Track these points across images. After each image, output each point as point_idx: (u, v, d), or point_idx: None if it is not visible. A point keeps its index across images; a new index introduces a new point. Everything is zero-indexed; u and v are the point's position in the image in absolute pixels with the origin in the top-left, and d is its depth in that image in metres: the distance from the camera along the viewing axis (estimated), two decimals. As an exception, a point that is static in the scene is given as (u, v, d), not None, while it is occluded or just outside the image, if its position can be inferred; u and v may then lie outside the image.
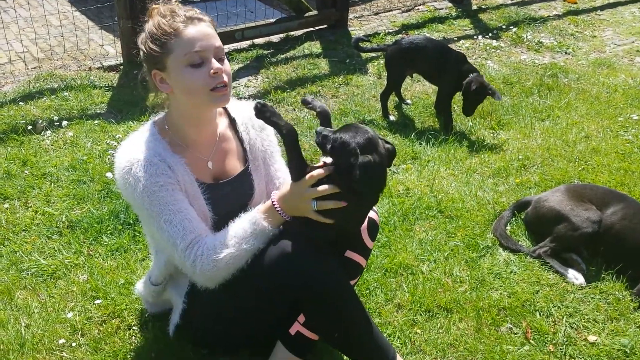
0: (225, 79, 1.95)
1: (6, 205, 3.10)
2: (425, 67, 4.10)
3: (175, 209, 1.93)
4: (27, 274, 2.67)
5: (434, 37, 4.17)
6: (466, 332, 2.47)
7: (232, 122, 2.21)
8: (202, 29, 1.94)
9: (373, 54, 5.01)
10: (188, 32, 1.91)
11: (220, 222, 2.05)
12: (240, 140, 2.21)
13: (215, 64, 1.93)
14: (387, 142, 1.98)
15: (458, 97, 4.07)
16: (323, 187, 1.88)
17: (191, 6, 2.03)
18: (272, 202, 1.96)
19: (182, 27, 1.91)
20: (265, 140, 2.26)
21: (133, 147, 1.97)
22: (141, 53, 2.00)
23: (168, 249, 1.99)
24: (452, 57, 3.99)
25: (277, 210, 1.94)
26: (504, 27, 5.81)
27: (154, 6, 2.00)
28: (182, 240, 1.93)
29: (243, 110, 2.23)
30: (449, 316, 2.55)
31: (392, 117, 4.18)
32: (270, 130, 2.26)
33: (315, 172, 1.90)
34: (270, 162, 2.27)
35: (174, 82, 1.95)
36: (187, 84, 1.93)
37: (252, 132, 2.23)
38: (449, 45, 4.06)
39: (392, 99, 4.32)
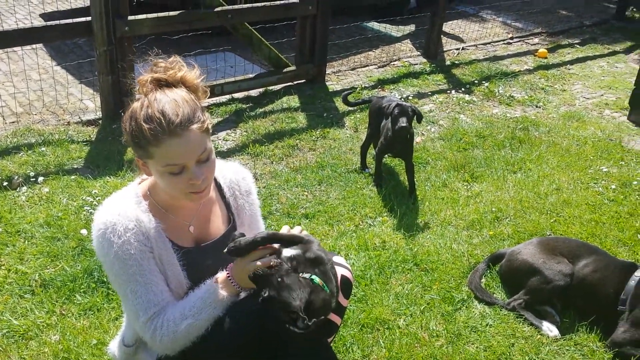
0: (205, 183, 1.92)
1: (-22, 263, 3.06)
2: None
3: (142, 280, 1.93)
4: (-2, 335, 2.62)
5: (399, 99, 4.20)
6: (442, 388, 2.47)
7: (218, 186, 2.21)
8: (185, 141, 1.81)
9: (352, 108, 5.13)
10: (170, 144, 1.80)
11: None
12: (226, 204, 2.22)
13: (194, 172, 1.87)
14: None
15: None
16: (259, 263, 1.92)
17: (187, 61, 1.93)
18: (227, 272, 1.98)
19: (164, 139, 1.79)
20: (253, 204, 2.27)
21: (111, 209, 1.95)
22: (124, 132, 1.92)
23: (130, 316, 2.02)
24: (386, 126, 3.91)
25: (230, 281, 1.97)
26: (476, 81, 5.99)
27: (145, 81, 1.86)
28: (145, 313, 1.94)
29: (228, 173, 2.22)
30: (426, 372, 2.54)
31: (368, 170, 4.25)
32: (254, 197, 2.28)
33: (261, 251, 1.95)
34: (253, 227, 2.29)
35: (154, 175, 1.93)
36: (165, 186, 1.93)
37: (240, 197, 2.23)
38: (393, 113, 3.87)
39: (371, 152, 4.39)
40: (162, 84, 1.87)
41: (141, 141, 1.81)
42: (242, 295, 2.00)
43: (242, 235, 2.00)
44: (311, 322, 1.76)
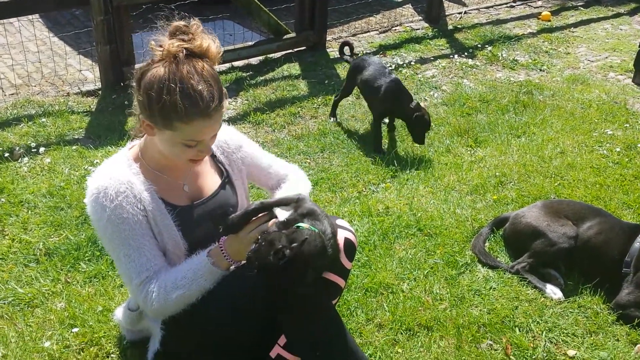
0: (208, 154, 1.99)
1: (-18, 234, 3.07)
2: (362, 86, 4.22)
3: (135, 244, 1.95)
4: (4, 303, 2.63)
5: (381, 62, 4.24)
6: (447, 350, 2.48)
7: None
8: (214, 121, 1.87)
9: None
10: (201, 124, 1.84)
11: (197, 245, 2.05)
12: (218, 162, 2.23)
13: (207, 145, 1.93)
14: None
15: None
16: (252, 234, 1.93)
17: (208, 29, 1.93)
18: (220, 245, 1.98)
19: (196, 119, 1.82)
20: (248, 154, 2.29)
21: (104, 173, 1.96)
22: (136, 95, 1.90)
23: (123, 279, 2.06)
24: (383, 84, 4.02)
25: (223, 254, 1.97)
26: (479, 46, 5.90)
27: (175, 51, 1.81)
28: (137, 277, 1.96)
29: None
30: (430, 334, 2.55)
31: (332, 119, 4.41)
32: (247, 146, 2.30)
33: (255, 222, 1.95)
34: (258, 168, 2.32)
35: (160, 139, 1.93)
36: (172, 153, 1.95)
37: (231, 153, 2.25)
38: (388, 70, 4.11)
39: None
40: (189, 54, 1.85)
41: (170, 114, 1.81)
42: (233, 268, 2.01)
43: (231, 211, 2.02)
44: (296, 245, 1.77)
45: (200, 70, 1.84)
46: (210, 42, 1.90)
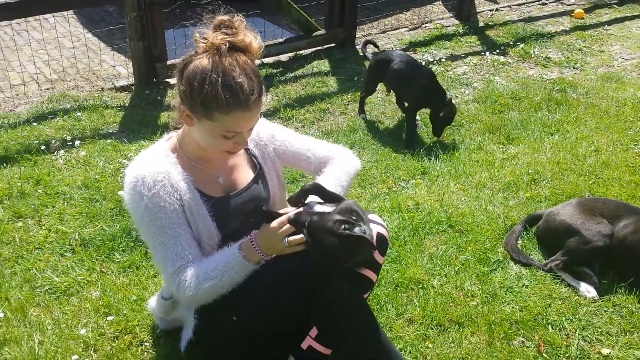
0: (244, 146, 2.05)
1: (20, 224, 3.13)
2: (392, 80, 4.23)
3: (171, 233, 1.97)
4: (41, 291, 2.70)
5: (409, 54, 4.33)
6: (478, 346, 2.46)
7: None
8: (252, 114, 1.91)
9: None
10: (240, 116, 1.88)
11: (231, 236, 2.07)
12: (252, 155, 2.25)
13: (244, 138, 1.97)
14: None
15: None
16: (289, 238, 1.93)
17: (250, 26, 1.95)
18: (251, 239, 1.99)
19: (236, 111, 1.86)
20: (280, 146, 2.29)
21: (141, 163, 2.00)
22: (178, 84, 1.94)
23: (158, 267, 2.09)
24: (420, 75, 4.08)
25: (254, 248, 1.98)
26: (511, 43, 5.84)
27: (218, 44, 1.85)
28: (172, 265, 1.99)
29: None
30: (461, 330, 2.54)
31: (361, 116, 4.41)
32: (279, 134, 2.31)
33: (289, 216, 1.96)
34: (294, 155, 2.31)
35: (198, 130, 1.96)
36: (210, 144, 1.98)
37: (264, 146, 2.27)
38: (420, 62, 4.21)
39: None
40: (231, 47, 1.88)
41: (211, 104, 1.85)
42: (265, 261, 2.01)
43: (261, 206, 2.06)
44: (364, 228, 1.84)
45: (242, 64, 1.87)
46: (252, 38, 1.93)
